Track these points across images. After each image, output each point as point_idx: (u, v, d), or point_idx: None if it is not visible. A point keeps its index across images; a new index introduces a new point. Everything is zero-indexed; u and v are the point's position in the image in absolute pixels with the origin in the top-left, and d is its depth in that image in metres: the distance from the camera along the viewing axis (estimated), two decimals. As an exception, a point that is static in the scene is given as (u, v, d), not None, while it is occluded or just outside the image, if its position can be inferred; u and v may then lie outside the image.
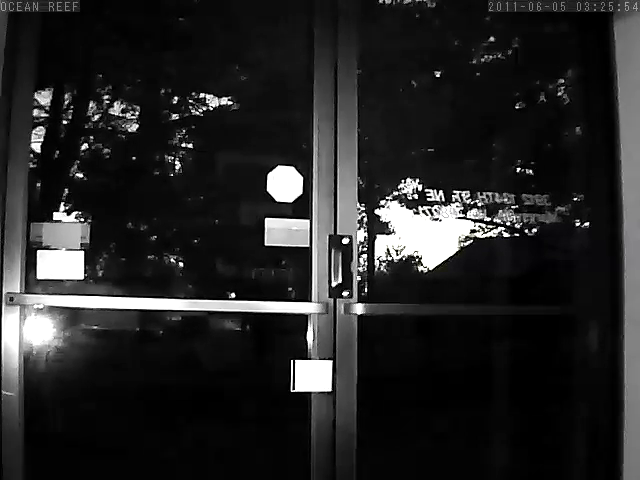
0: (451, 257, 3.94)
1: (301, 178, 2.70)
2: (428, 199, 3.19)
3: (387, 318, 3.03)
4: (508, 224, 3.52)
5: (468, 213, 3.29)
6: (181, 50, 3.42)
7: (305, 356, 2.52)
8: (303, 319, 2.55)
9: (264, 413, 3.25)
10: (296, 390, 2.48)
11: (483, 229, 3.80)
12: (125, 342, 3.57)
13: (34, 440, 2.40)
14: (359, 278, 2.61)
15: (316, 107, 2.61)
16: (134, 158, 3.77)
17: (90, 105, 3.55)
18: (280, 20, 3.07)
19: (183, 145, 3.85)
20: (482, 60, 3.88)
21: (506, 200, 3.23)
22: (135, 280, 3.58)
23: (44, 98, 3.25)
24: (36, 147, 3.18)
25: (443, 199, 3.18)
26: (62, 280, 2.51)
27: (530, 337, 3.47)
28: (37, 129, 3.20)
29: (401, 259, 3.94)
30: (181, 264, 3.94)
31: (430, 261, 3.94)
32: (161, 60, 3.52)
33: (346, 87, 2.62)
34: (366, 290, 3.74)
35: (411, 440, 3.38)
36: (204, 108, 3.74)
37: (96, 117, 3.58)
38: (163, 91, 3.79)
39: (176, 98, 3.79)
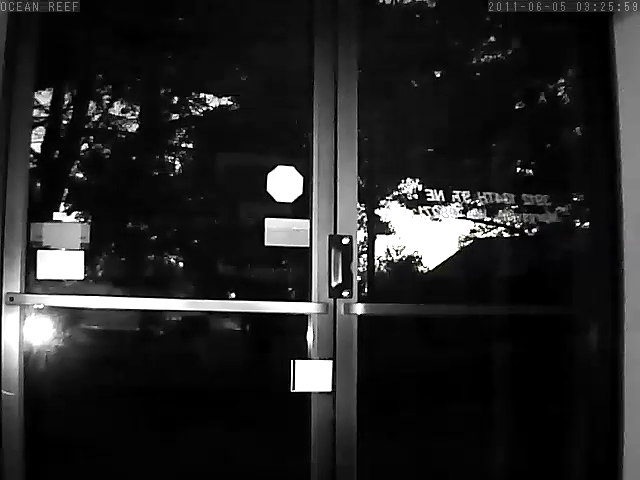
0: (451, 257, 3.94)
1: (301, 178, 2.70)
2: (428, 199, 3.19)
3: (387, 318, 3.03)
4: (508, 224, 3.51)
5: (468, 213, 3.29)
6: (181, 50, 3.42)
7: (305, 356, 2.52)
8: (303, 319, 2.55)
9: (264, 413, 3.25)
10: (296, 390, 2.48)
11: (483, 229, 3.80)
12: (125, 342, 3.57)
13: (34, 440, 2.40)
14: (359, 278, 2.61)
15: (316, 107, 2.61)
16: (134, 158, 3.77)
17: (90, 105, 3.55)
18: (280, 20, 3.06)
19: (183, 145, 3.85)
20: (482, 60, 3.88)
21: (506, 200, 3.23)
22: (135, 280, 3.58)
23: (44, 98, 3.25)
24: (36, 147, 3.18)
25: (443, 199, 3.18)
26: (62, 280, 2.51)
27: (530, 337, 3.47)
28: (37, 129, 3.20)
29: (401, 259, 3.94)
30: (181, 264, 3.94)
31: (430, 261, 3.94)
32: (161, 60, 3.52)
33: (346, 87, 2.62)
34: (366, 290, 3.74)
35: (411, 440, 3.38)
36: (204, 108, 3.74)
37: (96, 117, 3.58)
38: (163, 91, 3.79)
39: (176, 98, 3.78)
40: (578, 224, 3.44)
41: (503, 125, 3.68)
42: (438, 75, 3.87)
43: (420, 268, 3.98)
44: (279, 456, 3.13)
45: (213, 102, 3.74)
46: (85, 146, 3.69)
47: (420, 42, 3.52)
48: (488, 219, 3.47)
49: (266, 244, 2.66)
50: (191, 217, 3.63)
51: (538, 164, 3.80)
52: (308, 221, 2.58)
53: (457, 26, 3.48)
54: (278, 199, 2.71)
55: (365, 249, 3.73)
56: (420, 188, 3.39)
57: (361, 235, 3.58)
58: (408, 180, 3.63)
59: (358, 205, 2.65)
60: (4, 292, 2.34)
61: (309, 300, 2.55)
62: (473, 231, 3.85)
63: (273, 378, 2.95)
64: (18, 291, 2.35)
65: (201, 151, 3.83)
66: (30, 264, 2.40)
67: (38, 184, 3.23)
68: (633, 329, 2.76)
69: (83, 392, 3.08)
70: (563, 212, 3.36)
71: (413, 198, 3.48)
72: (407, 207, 3.61)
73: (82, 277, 2.51)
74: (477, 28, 3.59)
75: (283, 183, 2.71)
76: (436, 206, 3.20)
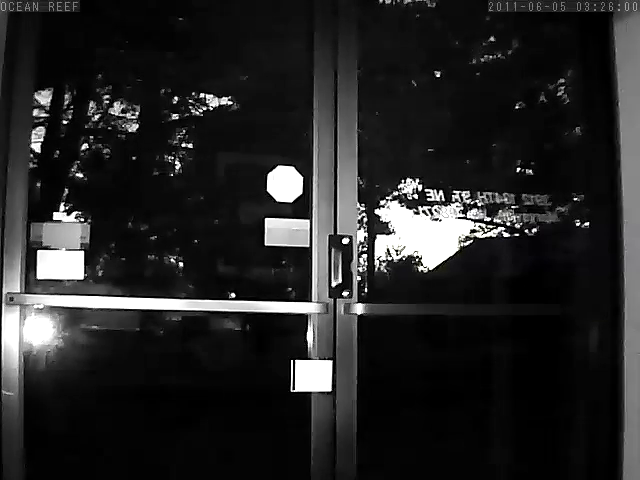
0: (451, 257, 3.94)
1: (301, 178, 2.70)
2: (428, 199, 3.19)
3: (387, 318, 3.03)
4: (508, 224, 3.52)
5: (468, 213, 3.29)
6: (181, 50, 3.42)
7: (305, 356, 2.52)
8: (303, 319, 2.55)
9: (264, 413, 3.25)
10: (296, 390, 2.48)
11: (483, 229, 3.80)
12: (125, 342, 3.57)
13: (34, 440, 2.40)
14: (359, 278, 2.61)
15: (316, 107, 2.60)
16: (134, 158, 3.77)
17: (90, 105, 3.56)
18: (280, 20, 3.07)
19: (183, 145, 3.85)
20: (482, 60, 3.88)
21: (506, 200, 3.23)
22: (135, 280, 3.58)
23: (44, 98, 3.25)
24: (36, 147, 3.18)
25: (443, 199, 3.18)
26: (62, 280, 2.51)
27: (530, 337, 3.47)
28: (37, 129, 3.20)
29: (401, 259, 3.94)
30: (181, 264, 3.94)
31: (430, 261, 3.94)
32: (161, 60, 3.52)
33: (346, 87, 2.62)
34: (366, 290, 3.74)
35: (411, 440, 3.38)
36: (204, 108, 3.74)
37: (96, 117, 3.58)
38: (163, 91, 3.79)
39: (176, 98, 3.79)
40: (578, 224, 3.44)
41: (503, 125, 3.68)
42: (438, 75, 3.87)
43: (420, 268, 3.98)
44: (279, 456, 3.13)
45: (213, 102, 3.74)
46: (85, 146, 3.70)
47: (420, 42, 3.52)
48: (488, 219, 3.47)
49: (266, 244, 2.66)
50: (191, 217, 3.63)
51: (538, 164, 3.80)
52: (308, 221, 2.58)
53: (457, 26, 3.48)
54: (278, 199, 2.71)
55: (365, 249, 3.73)
56: (420, 188, 3.39)
57: (361, 235, 3.58)
58: (408, 180, 3.63)
59: (358, 205, 2.65)
60: (4, 292, 2.33)
61: (309, 300, 2.54)
62: (473, 231, 3.85)
63: (273, 378, 2.95)
64: (18, 291, 2.35)
65: (201, 151, 3.83)
66: (30, 264, 2.40)
67: (38, 184, 3.24)
68: (633, 329, 2.76)
69: (83, 392, 3.08)
70: (563, 212, 3.36)
71: (413, 198, 3.48)
72: (407, 207, 3.61)
73: (82, 277, 2.51)
74: (477, 28, 3.59)
75: (283, 183, 2.71)
76: (436, 206, 3.20)
